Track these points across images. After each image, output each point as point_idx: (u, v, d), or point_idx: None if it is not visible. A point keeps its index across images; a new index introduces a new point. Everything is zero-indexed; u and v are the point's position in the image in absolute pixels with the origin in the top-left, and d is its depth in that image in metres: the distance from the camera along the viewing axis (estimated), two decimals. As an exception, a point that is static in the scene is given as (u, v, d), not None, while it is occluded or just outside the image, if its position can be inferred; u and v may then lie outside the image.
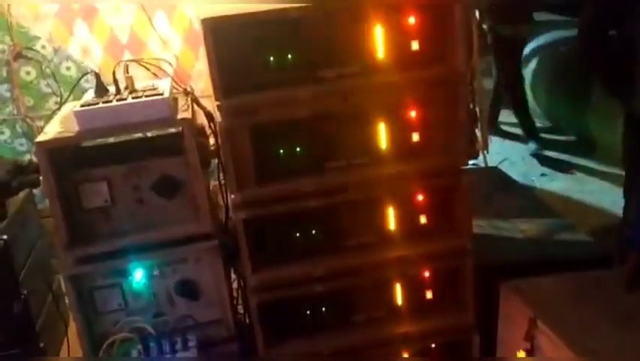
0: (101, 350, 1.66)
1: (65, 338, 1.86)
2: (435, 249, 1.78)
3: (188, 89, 1.75)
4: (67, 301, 1.82)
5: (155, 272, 1.70)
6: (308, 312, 1.81)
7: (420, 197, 1.77)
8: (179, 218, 1.67)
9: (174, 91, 1.68)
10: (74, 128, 1.54)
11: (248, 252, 1.68)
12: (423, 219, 1.79)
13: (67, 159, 1.59)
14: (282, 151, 1.65)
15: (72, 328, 1.77)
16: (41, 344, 1.72)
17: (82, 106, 1.54)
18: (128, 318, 1.70)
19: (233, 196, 1.63)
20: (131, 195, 1.64)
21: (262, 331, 1.74)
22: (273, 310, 1.75)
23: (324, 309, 1.81)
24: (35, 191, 1.99)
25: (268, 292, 1.71)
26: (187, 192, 1.65)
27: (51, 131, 1.56)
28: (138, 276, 1.69)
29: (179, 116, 1.58)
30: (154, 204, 1.66)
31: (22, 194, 1.87)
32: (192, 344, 1.68)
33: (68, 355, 1.82)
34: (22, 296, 1.66)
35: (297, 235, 1.74)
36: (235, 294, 1.86)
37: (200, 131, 1.69)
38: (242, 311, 1.91)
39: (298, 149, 1.66)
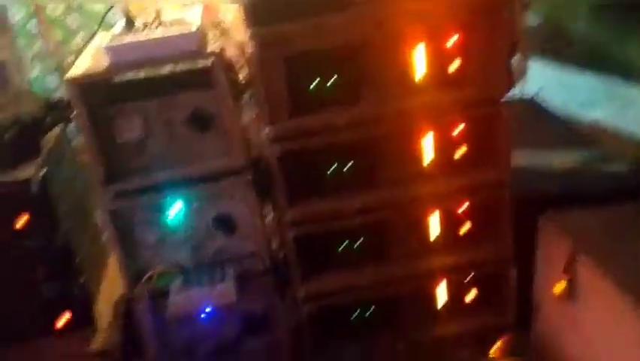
0: (142, 283, 1.69)
1: (105, 273, 1.91)
2: (473, 181, 1.74)
3: (219, 19, 1.70)
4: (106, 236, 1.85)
5: (192, 207, 1.71)
6: (343, 246, 1.81)
7: (457, 128, 1.72)
8: (213, 152, 1.66)
9: (204, 22, 1.63)
10: (104, 63, 1.51)
11: (283, 186, 1.67)
12: (460, 151, 1.74)
13: (99, 94, 1.57)
14: (315, 83, 1.61)
15: (112, 263, 1.82)
16: (82, 279, 1.76)
17: (111, 40, 1.51)
18: (167, 252, 1.72)
19: (266, 130, 1.60)
20: (164, 130, 1.63)
21: (297, 264, 1.75)
22: (308, 244, 1.75)
23: (359, 242, 1.81)
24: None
25: (303, 226, 1.71)
26: (219, 127, 1.63)
27: (81, 66, 1.53)
28: (175, 210, 1.70)
29: (209, 49, 1.54)
30: (187, 139, 1.64)
31: (56, 130, 1.87)
32: (229, 277, 1.70)
33: (108, 290, 1.86)
34: (62, 231, 1.69)
35: (333, 168, 1.71)
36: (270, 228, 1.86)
37: (231, 63, 1.65)
38: (278, 246, 1.91)
39: (332, 80, 1.61)
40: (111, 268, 1.92)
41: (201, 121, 1.62)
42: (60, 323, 1.78)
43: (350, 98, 1.63)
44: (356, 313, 1.88)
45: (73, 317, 1.78)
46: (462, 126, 1.71)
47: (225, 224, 1.73)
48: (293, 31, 1.52)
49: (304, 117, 1.60)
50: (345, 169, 1.72)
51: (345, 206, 1.71)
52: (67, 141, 1.94)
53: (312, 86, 1.61)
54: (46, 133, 1.83)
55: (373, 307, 1.87)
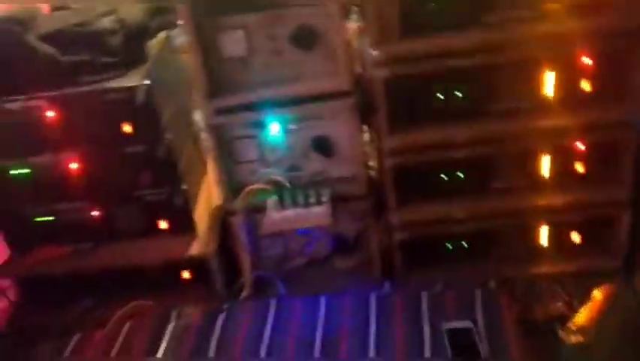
0: (240, 198, 1.71)
1: (206, 185, 1.95)
2: (596, 118, 1.59)
3: None
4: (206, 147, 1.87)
5: (292, 126, 1.67)
6: (443, 176, 1.73)
7: (583, 60, 1.55)
8: (317, 72, 1.59)
9: None
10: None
11: (385, 112, 1.59)
12: (585, 86, 1.58)
13: (206, 3, 1.52)
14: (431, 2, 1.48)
15: (210, 173, 1.84)
16: (183, 187, 1.80)
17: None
18: (265, 169, 1.72)
19: (373, 51, 1.51)
20: (268, 46, 1.57)
21: (393, 192, 1.70)
22: (407, 173, 1.69)
23: (461, 174, 1.73)
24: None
25: (404, 156, 1.64)
26: (325, 45, 1.55)
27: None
28: (275, 129, 1.68)
29: (320, -41, 1.43)
30: (291, 57, 1.58)
31: (161, 36, 1.85)
32: (325, 199, 1.69)
33: (208, 201, 1.90)
34: (166, 141, 1.71)
35: (440, 96, 1.61)
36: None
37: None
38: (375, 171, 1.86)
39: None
40: (210, 178, 1.95)
41: (307, 38, 1.54)
42: (162, 225, 1.85)
43: (469, 19, 1.49)
44: (449, 245, 1.83)
45: (173, 222, 1.85)
46: (588, 60, 1.54)
47: (324, 146, 1.70)
48: None
49: (416, 40, 1.49)
50: (453, 97, 1.61)
51: (449, 137, 1.62)
52: (172, 47, 1.92)
53: (427, 6, 1.48)
54: (151, 38, 1.82)
55: (467, 240, 1.82)
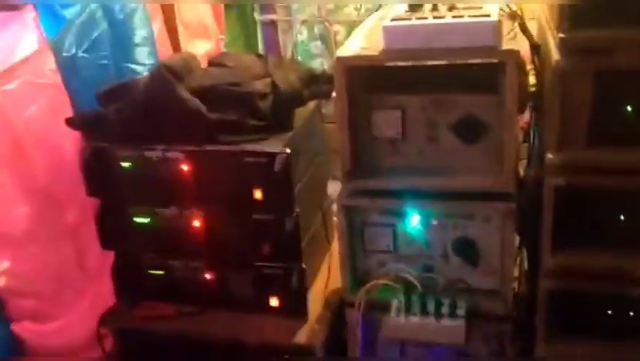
0: (362, 290, 1.52)
1: (326, 265, 1.78)
2: None
3: (517, 11, 1.41)
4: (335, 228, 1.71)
5: (434, 222, 1.48)
6: (610, 311, 1.44)
7: None
8: (476, 167, 1.40)
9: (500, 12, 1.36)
10: (379, 44, 1.33)
11: (550, 225, 1.35)
12: None
13: (365, 79, 1.40)
14: (627, 110, 1.25)
15: (334, 257, 1.68)
16: (303, 265, 1.65)
17: (392, 20, 1.32)
18: (396, 264, 1.53)
19: (550, 155, 1.29)
20: (424, 132, 1.42)
21: (546, 322, 1.43)
22: (564, 300, 1.42)
23: (632, 313, 1.43)
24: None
25: (565, 279, 1.38)
26: (492, 139, 1.37)
27: (354, 46, 1.37)
28: (415, 221, 1.49)
29: (504, 46, 1.27)
30: (449, 147, 1.41)
31: (310, 105, 1.76)
32: (461, 312, 1.46)
33: (326, 285, 1.73)
34: (295, 214, 1.58)
35: (620, 217, 1.35)
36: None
37: (522, 66, 1.36)
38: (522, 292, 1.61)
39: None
40: (332, 262, 1.78)
41: (472, 129, 1.37)
42: (273, 302, 1.70)
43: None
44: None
45: (285, 301, 1.69)
46: None
47: (468, 251, 1.48)
48: (614, 40, 1.18)
49: (603, 150, 1.26)
50: (635, 220, 1.34)
51: (626, 266, 1.34)
52: (321, 115, 1.83)
53: (621, 114, 1.25)
54: (303, 105, 1.73)
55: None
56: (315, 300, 1.74)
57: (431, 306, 1.47)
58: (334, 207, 1.69)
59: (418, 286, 1.48)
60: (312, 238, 1.76)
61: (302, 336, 1.66)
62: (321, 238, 1.80)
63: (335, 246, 1.67)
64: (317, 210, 1.81)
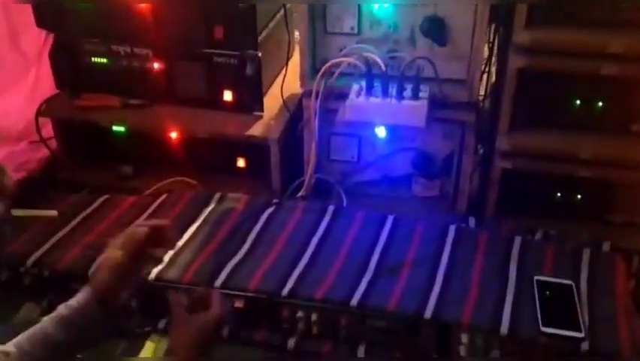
0: (321, 70, 1.42)
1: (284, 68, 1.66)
2: None
3: None
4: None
5: (404, -1, 1.36)
6: (578, 102, 1.38)
7: None
8: None
9: None
10: None
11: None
12: None
13: None
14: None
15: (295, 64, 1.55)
16: (258, 53, 1.53)
17: None
18: (359, 45, 1.41)
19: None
20: None
21: (512, 107, 1.36)
22: (533, 85, 1.35)
23: (600, 103, 1.37)
24: None
25: (536, 58, 1.29)
26: None
27: None
28: (384, -2, 1.37)
29: None
30: None
31: None
32: (423, 95, 1.37)
33: (283, 82, 1.61)
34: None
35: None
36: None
37: None
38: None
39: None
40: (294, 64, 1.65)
41: None
42: (227, 96, 1.60)
43: None
44: (559, 193, 1.48)
45: (239, 94, 1.60)
46: None
47: (437, 31, 1.37)
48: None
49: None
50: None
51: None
52: None
53: None
54: None
55: (584, 192, 1.47)
56: (272, 100, 1.64)
57: (393, 89, 1.37)
58: (296, 15, 1.56)
59: (382, 66, 1.37)
60: (272, 32, 1.62)
61: (256, 129, 1.57)
62: (282, 38, 1.66)
63: (297, 56, 1.55)
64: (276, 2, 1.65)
